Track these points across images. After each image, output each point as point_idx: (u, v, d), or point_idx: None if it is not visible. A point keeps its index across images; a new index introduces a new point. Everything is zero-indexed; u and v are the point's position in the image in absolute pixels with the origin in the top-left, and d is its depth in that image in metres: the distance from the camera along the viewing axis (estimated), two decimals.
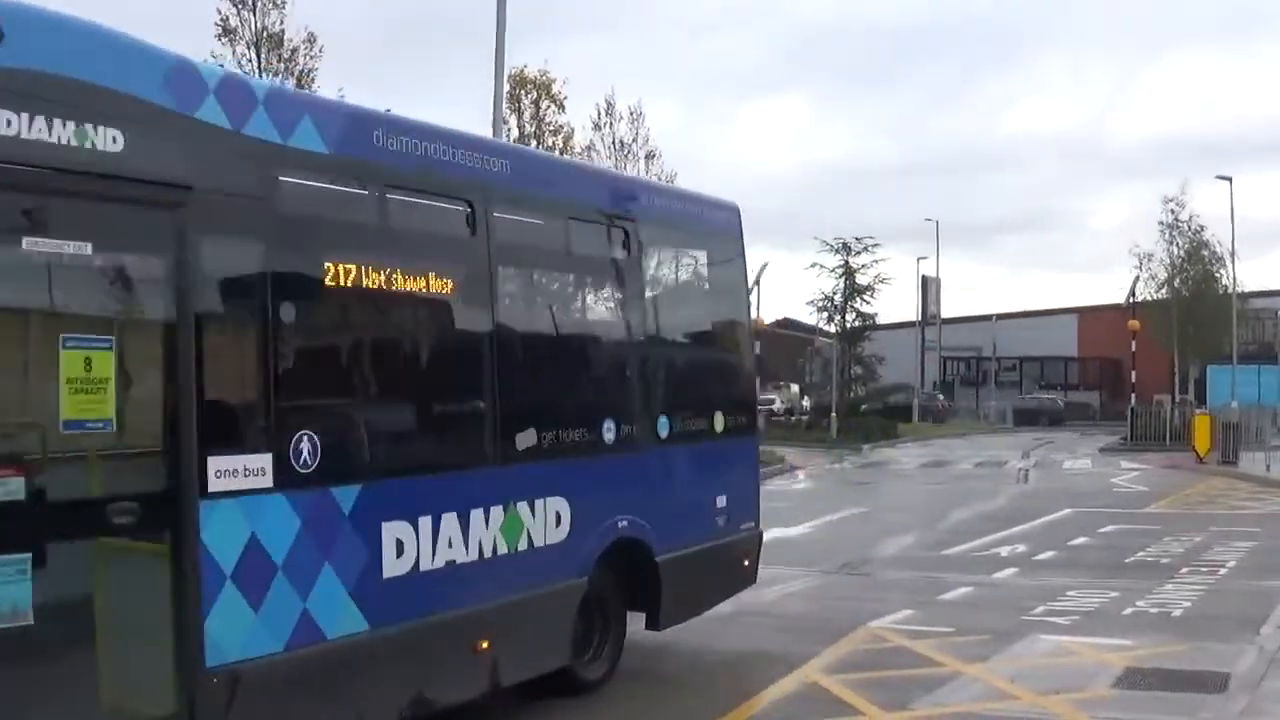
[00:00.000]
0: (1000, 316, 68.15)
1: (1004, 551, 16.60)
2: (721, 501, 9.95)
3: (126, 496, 5.61)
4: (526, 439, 7.81)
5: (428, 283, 7.20)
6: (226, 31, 25.44)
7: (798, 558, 15.47)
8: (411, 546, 6.96)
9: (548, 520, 8.00)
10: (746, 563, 10.36)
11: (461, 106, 72.78)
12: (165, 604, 5.77)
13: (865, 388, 50.89)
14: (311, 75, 25.55)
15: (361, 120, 6.99)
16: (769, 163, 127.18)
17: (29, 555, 5.18)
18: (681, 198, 10.45)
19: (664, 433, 9.24)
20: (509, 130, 26.18)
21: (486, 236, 7.62)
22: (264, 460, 6.11)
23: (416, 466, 7.15)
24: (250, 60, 25.22)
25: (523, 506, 7.80)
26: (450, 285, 7.42)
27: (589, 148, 32.40)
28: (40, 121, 5.20)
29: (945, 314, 66.57)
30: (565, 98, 31.63)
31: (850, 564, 15.55)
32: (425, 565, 7.05)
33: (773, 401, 48.31)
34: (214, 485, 5.85)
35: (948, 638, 10.64)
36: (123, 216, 5.63)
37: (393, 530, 6.84)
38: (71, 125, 5.32)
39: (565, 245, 8.55)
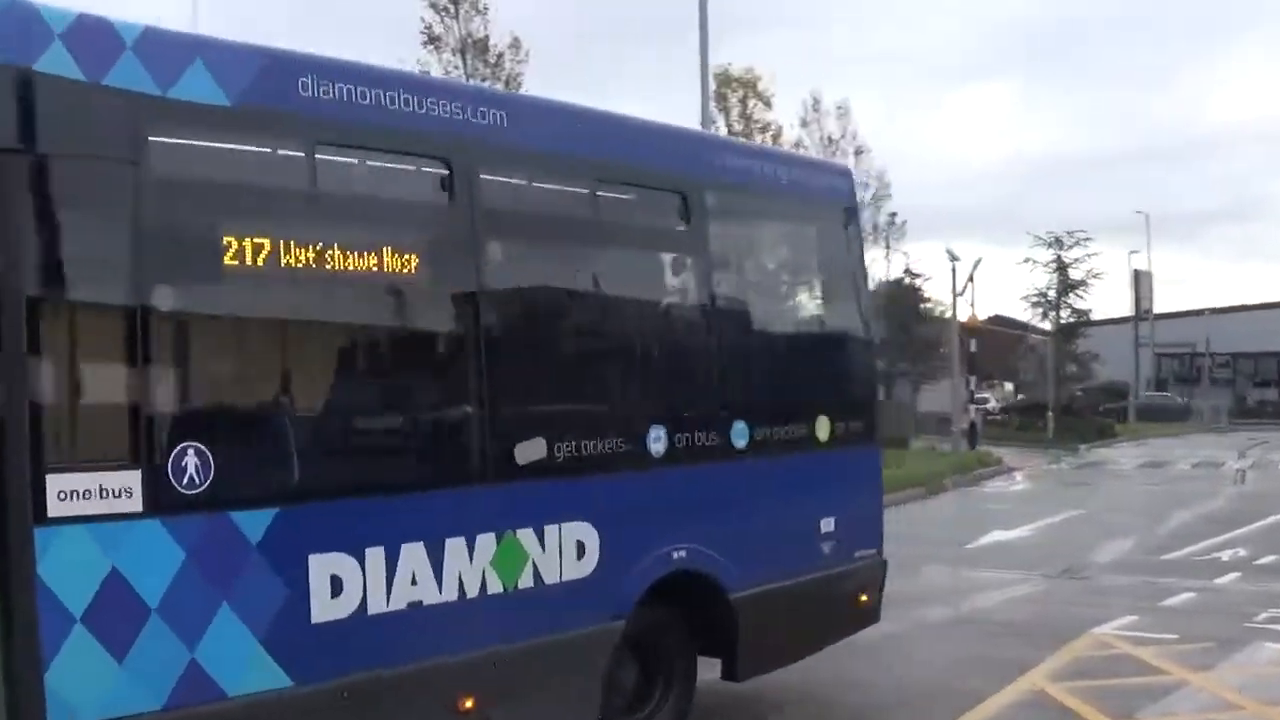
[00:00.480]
0: (1213, 311, 65.87)
1: (1225, 556, 16.30)
2: (827, 525, 8.35)
3: None
4: (530, 450, 6.48)
5: (375, 258, 5.95)
6: (431, 39, 25.54)
7: (1018, 561, 15.61)
8: (355, 584, 5.76)
9: (563, 551, 6.64)
10: (864, 598, 8.72)
11: (661, 107, 71.14)
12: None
13: (1082, 387, 49.69)
14: (518, 79, 25.37)
15: (282, 64, 5.77)
16: (976, 154, 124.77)
17: None
18: (769, 158, 8.78)
19: (741, 442, 7.70)
20: (716, 129, 25.35)
21: (470, 202, 6.34)
22: (129, 478, 5.01)
23: (363, 485, 5.93)
24: (457, 67, 25.18)
25: (525, 534, 6.46)
26: (414, 259, 6.14)
27: (797, 144, 31.30)
28: None
29: (1155, 309, 65.59)
30: (772, 94, 30.84)
31: (1071, 568, 15.28)
32: (376, 607, 5.83)
33: (987, 400, 47.07)
34: (56, 509, 4.78)
35: (1172, 645, 10.53)
36: None
37: (326, 564, 5.66)
38: None
39: (590, 213, 7.17)
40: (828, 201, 8.81)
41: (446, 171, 6.28)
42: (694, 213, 7.54)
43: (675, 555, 7.21)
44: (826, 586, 8.34)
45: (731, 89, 29.69)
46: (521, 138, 6.66)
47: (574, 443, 6.67)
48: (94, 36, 5.09)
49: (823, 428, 8.40)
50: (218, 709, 5.24)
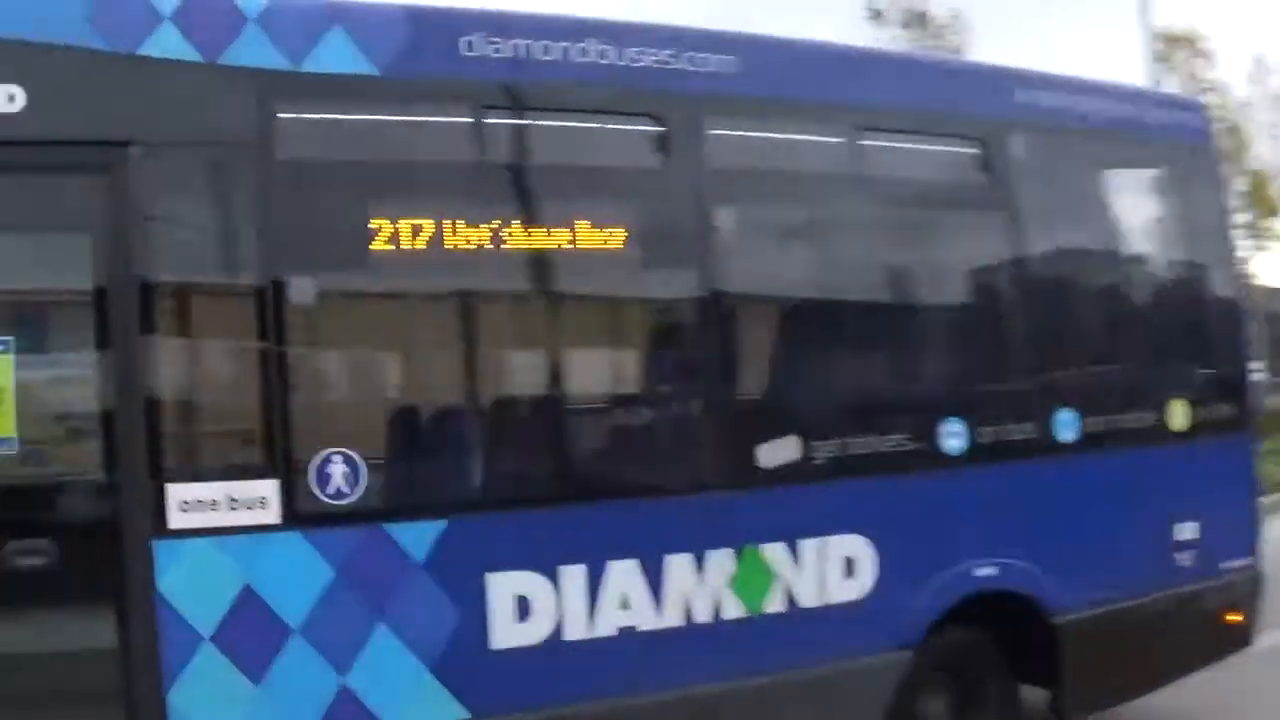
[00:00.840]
0: None
1: None
2: (1184, 532, 6.72)
3: (37, 531, 4.41)
4: (780, 451, 5.49)
5: (565, 234, 5.22)
6: (875, 15, 25.39)
7: None
8: (547, 607, 5.05)
9: (826, 569, 5.58)
10: (1233, 616, 6.94)
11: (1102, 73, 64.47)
12: (105, 670, 4.49)
13: None
14: (958, 52, 24.36)
15: (440, 23, 5.16)
16: None
17: None
18: (1096, 92, 7.09)
19: (1068, 434, 6.31)
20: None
21: (691, 163, 5.47)
22: (264, 487, 4.59)
23: (556, 495, 5.23)
24: (903, 41, 24.76)
25: (773, 550, 5.47)
26: (618, 232, 5.35)
27: (1246, 104, 28.09)
28: None
29: None
30: (1214, 52, 27.73)
31: None
32: (575, 633, 5.10)
33: None
34: (177, 521, 4.46)
35: None
36: (27, 190, 4.46)
37: (508, 584, 4.98)
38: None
39: (855, 169, 6.00)
40: (1176, 141, 7.12)
41: (660, 129, 5.45)
42: (999, 161, 6.25)
43: (980, 572, 5.98)
44: (1183, 605, 6.71)
45: (1173, 46, 26.99)
46: (761, 85, 5.70)
47: (835, 440, 5.59)
48: (209, 14, 4.75)
49: (1177, 414, 6.79)
50: None
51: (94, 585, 4.50)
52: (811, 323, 5.96)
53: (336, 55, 4.90)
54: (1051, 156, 6.48)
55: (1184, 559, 6.70)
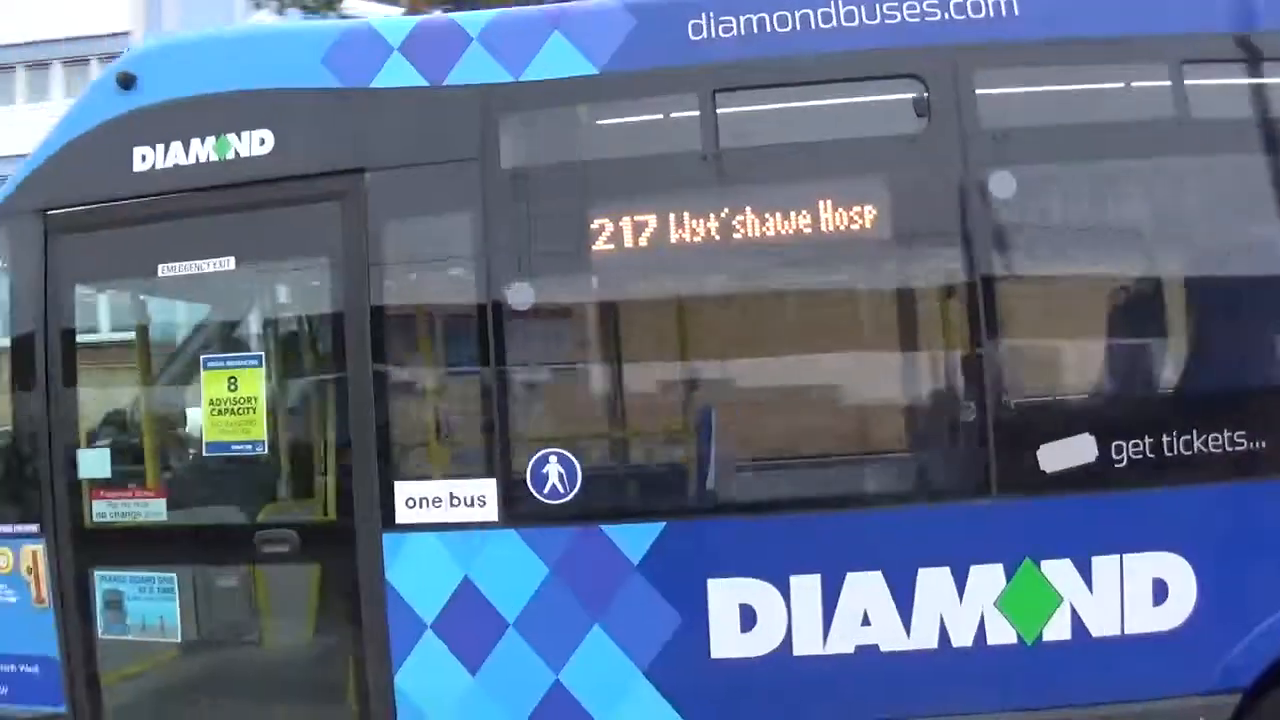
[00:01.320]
0: None
1: None
2: None
3: (283, 524, 5.09)
4: (1067, 452, 4.78)
5: (807, 216, 4.90)
6: None
7: None
8: (776, 618, 4.82)
9: (1127, 591, 4.75)
10: None
11: None
12: (340, 652, 5.07)
13: None
14: None
15: (665, 10, 5.04)
16: None
17: (174, 575, 5.08)
18: None
19: None
20: None
21: (958, 126, 4.91)
22: (484, 486, 4.92)
23: (786, 500, 4.97)
24: None
25: (1056, 568, 4.77)
26: (870, 211, 4.92)
27: None
28: (176, 147, 5.16)
29: None
30: None
31: None
32: (806, 647, 4.81)
33: None
34: (404, 516, 4.94)
35: None
36: (276, 220, 5.15)
37: (732, 592, 4.83)
38: (211, 141, 5.12)
39: (1161, 113, 4.88)
40: None
41: (920, 91, 4.94)
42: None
43: None
44: None
45: None
46: (1039, 27, 4.95)
47: (1143, 439, 4.74)
48: (433, 39, 5.12)
49: None
50: None
51: (331, 574, 5.02)
52: (1095, 304, 5.07)
53: (556, 60, 5.01)
54: None
55: None
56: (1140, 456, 4.71)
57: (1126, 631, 4.73)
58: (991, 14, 4.91)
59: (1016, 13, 4.91)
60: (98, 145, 5.26)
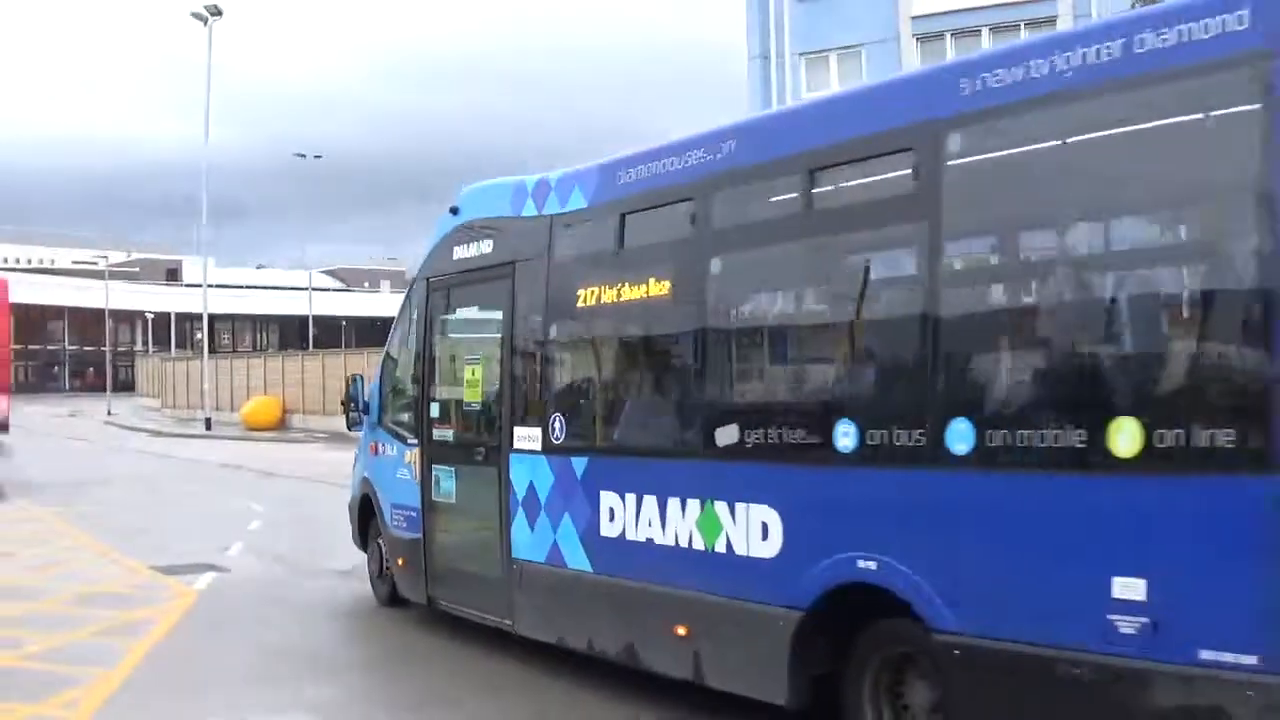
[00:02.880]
0: None
1: None
2: (1127, 590, 5.71)
3: (483, 445, 10.50)
4: (725, 435, 7.98)
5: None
6: None
7: None
8: (620, 515, 8.78)
9: (751, 528, 7.74)
10: None
11: None
12: (497, 513, 10.22)
13: None
14: None
15: (609, 169, 9.25)
16: None
17: (454, 469, 10.91)
18: None
19: (961, 446, 6.43)
20: None
21: (706, 229, 8.52)
22: (535, 433, 9.69)
23: (631, 448, 9.01)
24: None
25: (720, 507, 7.95)
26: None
27: None
28: (473, 247, 10.81)
29: None
30: None
31: None
32: (630, 535, 8.67)
33: None
34: (517, 445, 9.93)
35: None
36: (486, 285, 10.60)
37: (608, 498, 8.88)
38: (475, 245, 10.80)
39: None
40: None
41: (693, 210, 8.43)
42: None
43: (860, 564, 6.96)
44: (1109, 678, 5.75)
45: None
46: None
47: (756, 430, 7.80)
48: (538, 187, 10.02)
49: (1125, 435, 5.73)
50: (561, 573, 9.39)
51: (495, 471, 10.20)
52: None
53: (575, 199, 9.61)
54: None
55: (1124, 624, 5.70)
56: (758, 441, 7.76)
57: (750, 554, 7.70)
58: (722, 153, 8.21)
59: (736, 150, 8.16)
60: (444, 243, 11.20)
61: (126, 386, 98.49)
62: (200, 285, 62.93)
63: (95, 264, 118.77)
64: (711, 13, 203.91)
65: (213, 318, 67.36)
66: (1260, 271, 5.40)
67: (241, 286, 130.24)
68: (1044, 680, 6.04)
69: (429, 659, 10.78)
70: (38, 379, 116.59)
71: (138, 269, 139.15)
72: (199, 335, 75.53)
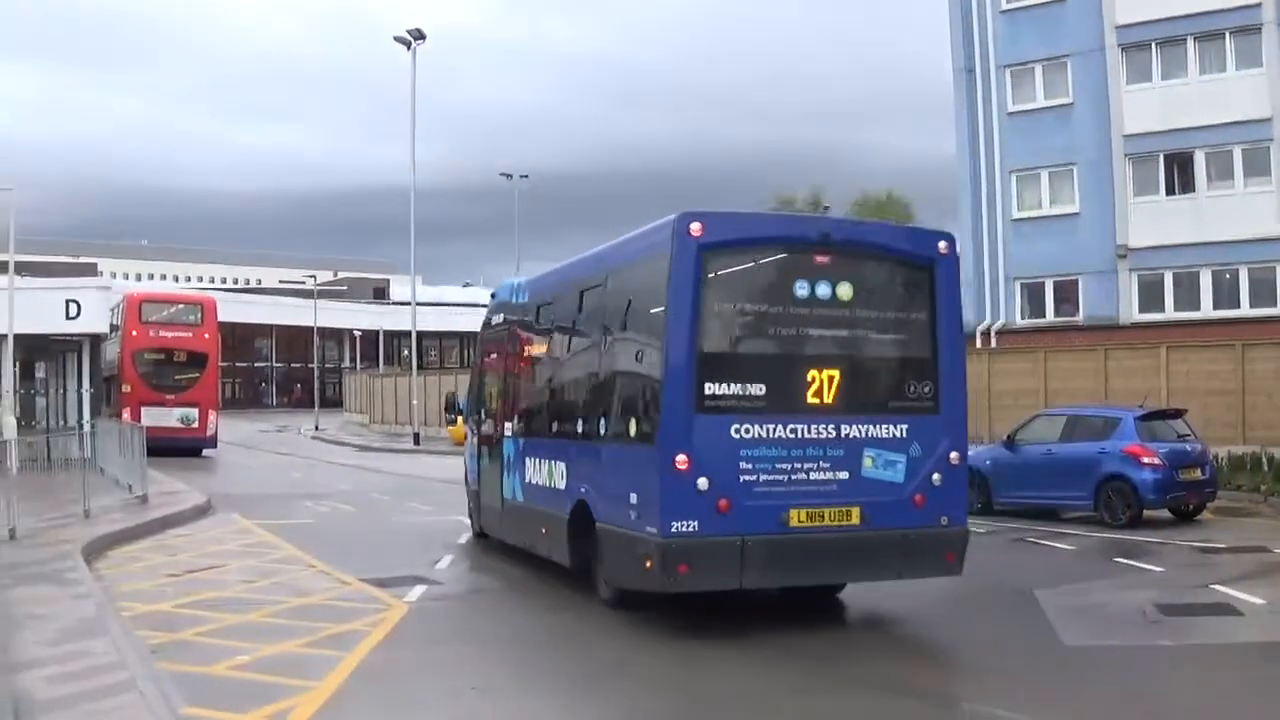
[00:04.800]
0: None
1: None
2: (634, 497, 13.52)
3: (493, 433, 19.29)
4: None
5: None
6: None
7: None
8: (529, 468, 17.23)
9: (555, 472, 16.03)
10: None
11: None
12: (500, 471, 18.63)
13: None
14: None
15: (534, 280, 18.08)
16: None
17: (485, 448, 20.47)
18: None
19: (602, 431, 14.70)
20: None
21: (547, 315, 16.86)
22: (509, 425, 18.21)
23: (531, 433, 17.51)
24: None
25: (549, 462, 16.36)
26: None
27: None
28: (496, 316, 20.00)
29: None
30: None
31: None
32: (528, 479, 17.29)
33: None
34: (505, 433, 18.40)
35: None
36: (500, 342, 19.49)
37: (529, 461, 17.26)
38: (503, 315, 19.47)
39: None
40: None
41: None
42: None
43: (582, 490, 15.14)
44: (629, 538, 13.61)
45: None
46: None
47: (548, 423, 15.76)
48: (506, 291, 19.31)
49: (623, 426, 14.23)
50: (516, 503, 17.96)
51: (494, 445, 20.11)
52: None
53: (520, 297, 18.86)
54: None
55: (631, 513, 13.50)
56: (557, 429, 16.40)
57: (555, 486, 16.02)
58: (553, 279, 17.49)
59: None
60: (488, 313, 20.72)
61: (333, 403, 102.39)
62: (408, 303, 64.30)
63: (303, 283, 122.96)
64: (910, 27, 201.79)
65: (420, 334, 68.73)
66: (669, 335, 12.66)
67: (448, 304, 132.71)
68: (618, 540, 13.82)
69: (621, 656, 12.17)
70: (245, 395, 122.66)
71: (345, 287, 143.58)
72: (405, 352, 77.78)
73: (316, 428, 76.81)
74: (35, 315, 36.05)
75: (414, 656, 11.59)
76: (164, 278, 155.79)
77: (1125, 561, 18.04)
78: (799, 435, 12.63)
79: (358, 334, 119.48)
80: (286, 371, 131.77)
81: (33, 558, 16.80)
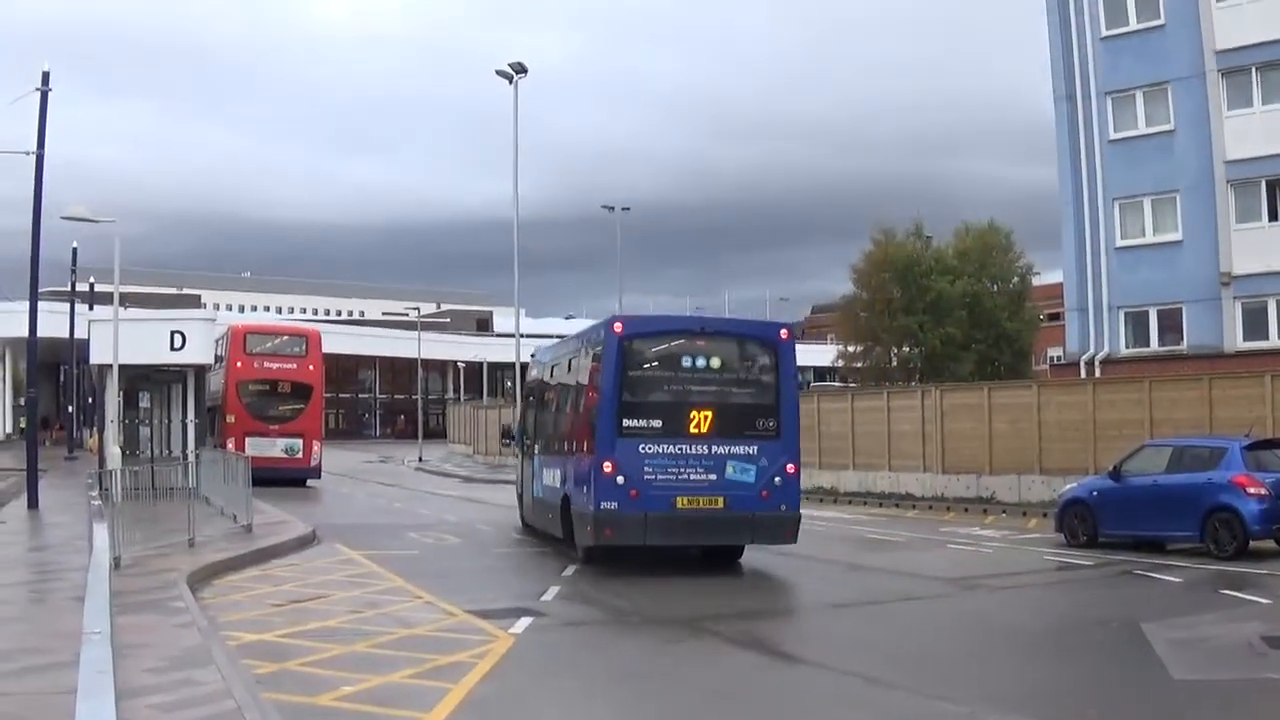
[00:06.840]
0: None
1: None
2: (570, 489, 22.53)
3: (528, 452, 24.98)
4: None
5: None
6: None
7: None
8: (544, 474, 23.57)
9: (562, 475, 22.21)
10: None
11: None
12: (532, 477, 24.76)
13: None
14: None
15: (546, 349, 24.22)
16: None
17: (524, 462, 25.72)
18: None
19: (571, 445, 22.78)
20: None
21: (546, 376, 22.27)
22: (539, 446, 23.67)
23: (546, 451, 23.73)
24: None
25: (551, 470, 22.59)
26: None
27: None
28: (533, 371, 27.05)
29: None
30: None
31: None
32: (543, 481, 23.64)
33: None
34: (535, 451, 24.28)
35: None
36: (534, 390, 25.71)
37: (544, 470, 23.62)
38: (536, 371, 25.49)
39: None
40: None
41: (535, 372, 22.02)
42: None
43: (567, 488, 22.85)
44: (590, 515, 21.16)
45: None
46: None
47: (556, 442, 21.88)
48: (542, 351, 21.28)
49: (569, 444, 23.05)
50: (537, 499, 25.50)
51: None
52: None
53: (543, 359, 23.69)
54: None
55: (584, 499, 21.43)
56: (554, 448, 23.29)
57: (553, 485, 23.40)
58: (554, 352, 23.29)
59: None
60: (528, 368, 28.52)
61: (437, 434, 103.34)
62: (512, 335, 64.71)
63: (406, 315, 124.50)
64: (1007, 55, 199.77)
65: (524, 366, 68.82)
66: (603, 389, 20.83)
67: (551, 336, 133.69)
68: (578, 516, 21.81)
69: (727, 687, 12.00)
70: (349, 426, 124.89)
71: (448, 319, 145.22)
72: (509, 383, 78.35)
73: (420, 458, 77.45)
74: (140, 346, 36.81)
75: (522, 689, 11.74)
76: (266, 309, 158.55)
77: (1232, 594, 18.26)
78: (684, 451, 20.53)
79: (461, 365, 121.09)
80: (390, 403, 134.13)
81: (138, 586, 16.98)
